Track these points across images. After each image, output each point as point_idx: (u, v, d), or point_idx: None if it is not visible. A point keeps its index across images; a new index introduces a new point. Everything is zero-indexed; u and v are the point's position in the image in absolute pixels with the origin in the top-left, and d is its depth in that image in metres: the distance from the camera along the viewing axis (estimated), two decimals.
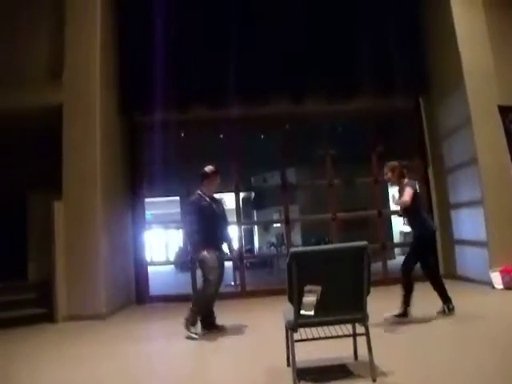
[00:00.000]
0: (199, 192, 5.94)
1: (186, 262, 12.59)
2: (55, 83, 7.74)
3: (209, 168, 6.01)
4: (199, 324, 5.77)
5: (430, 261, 6.01)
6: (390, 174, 5.93)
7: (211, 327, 5.81)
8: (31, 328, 6.82)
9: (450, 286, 8.16)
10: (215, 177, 6.00)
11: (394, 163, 5.96)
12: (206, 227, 5.67)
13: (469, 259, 8.43)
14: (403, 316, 5.55)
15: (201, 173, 6.03)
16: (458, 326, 5.30)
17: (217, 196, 6.21)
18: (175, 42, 8.89)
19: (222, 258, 5.88)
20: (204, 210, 5.75)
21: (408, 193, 5.60)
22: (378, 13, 9.25)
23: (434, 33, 9.03)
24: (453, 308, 5.68)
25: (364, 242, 3.53)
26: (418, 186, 5.90)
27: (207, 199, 5.87)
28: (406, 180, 5.87)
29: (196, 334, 5.60)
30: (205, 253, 5.59)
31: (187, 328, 5.62)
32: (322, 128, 9.93)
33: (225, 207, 6.25)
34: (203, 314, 5.77)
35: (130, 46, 9.00)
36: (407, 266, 5.70)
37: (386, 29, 9.20)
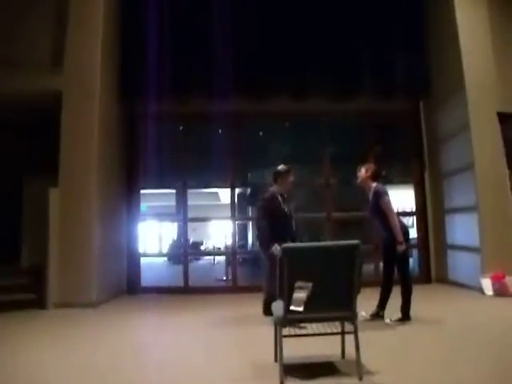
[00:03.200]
0: (273, 190, 6.07)
1: (178, 255, 12.61)
2: (55, 70, 7.73)
3: (283, 167, 6.17)
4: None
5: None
6: (363, 171, 5.88)
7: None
8: (21, 313, 6.82)
9: (441, 291, 8.30)
10: (289, 175, 6.14)
11: (372, 165, 5.98)
12: (280, 225, 5.82)
13: (461, 264, 8.46)
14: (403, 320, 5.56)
15: (274, 172, 6.17)
16: (446, 329, 5.32)
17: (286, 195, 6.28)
18: (177, 32, 8.87)
19: None
20: (281, 210, 5.92)
21: (389, 206, 5.60)
22: (382, 14, 9.24)
23: (437, 37, 9.04)
24: (382, 316, 5.69)
25: (356, 241, 3.54)
26: (385, 189, 5.83)
27: (279, 198, 5.99)
28: (374, 184, 5.82)
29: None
30: (276, 247, 5.59)
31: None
32: (321, 126, 9.92)
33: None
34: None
35: (131, 35, 8.97)
36: (400, 271, 5.71)
37: (388, 30, 9.19)
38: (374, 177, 5.86)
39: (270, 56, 8.93)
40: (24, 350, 4.82)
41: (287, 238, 5.90)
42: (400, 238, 5.51)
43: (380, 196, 5.66)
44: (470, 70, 8.05)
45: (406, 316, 5.57)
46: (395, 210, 5.77)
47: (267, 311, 5.63)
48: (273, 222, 5.81)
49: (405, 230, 5.75)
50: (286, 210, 6.01)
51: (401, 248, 5.52)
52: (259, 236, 6.16)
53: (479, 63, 8.08)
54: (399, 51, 9.12)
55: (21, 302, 7.12)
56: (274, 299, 5.64)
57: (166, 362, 4.32)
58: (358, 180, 5.96)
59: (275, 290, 5.60)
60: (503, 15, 8.38)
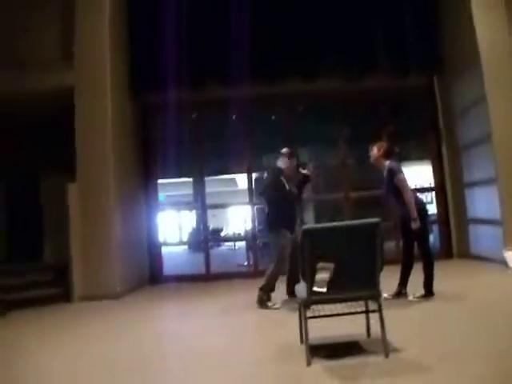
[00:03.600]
0: (278, 170, 6.12)
1: (199, 242, 12.68)
2: (67, 65, 7.77)
3: (285, 150, 6.25)
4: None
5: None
6: (375, 150, 5.83)
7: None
8: (48, 308, 6.95)
9: (463, 266, 8.24)
10: (292, 158, 6.22)
11: (384, 143, 5.91)
12: (286, 205, 5.91)
13: (483, 238, 8.38)
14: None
15: (281, 154, 6.21)
16: (471, 303, 5.29)
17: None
18: (187, 21, 8.78)
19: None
20: (286, 189, 5.98)
21: (404, 183, 5.56)
22: None
23: (450, 10, 8.84)
24: (405, 293, 5.68)
25: (377, 219, 3.52)
26: (400, 166, 5.76)
27: (286, 178, 6.05)
28: (387, 162, 5.75)
29: (275, 304, 5.82)
30: (284, 232, 5.79)
31: (264, 306, 5.79)
32: (335, 107, 9.83)
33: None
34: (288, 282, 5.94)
35: (140, 25, 8.95)
36: (420, 247, 5.68)
37: (401, 6, 9.05)
38: (387, 155, 5.80)
39: (281, 38, 8.85)
40: (53, 342, 4.94)
41: (295, 219, 6.08)
42: (414, 214, 5.46)
43: (394, 173, 5.61)
44: (485, 43, 7.87)
45: (429, 292, 5.55)
46: (410, 187, 5.74)
47: (291, 293, 5.71)
48: (279, 205, 5.87)
49: (421, 206, 5.72)
50: (292, 192, 6.07)
51: (415, 225, 5.48)
52: (271, 217, 6.09)
53: (493, 35, 7.90)
54: (412, 27, 8.96)
55: (47, 297, 7.25)
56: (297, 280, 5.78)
57: (190, 350, 4.37)
58: (372, 159, 5.92)
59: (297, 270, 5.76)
60: None
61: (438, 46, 9.10)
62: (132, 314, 6.28)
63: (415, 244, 5.70)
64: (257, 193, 9.41)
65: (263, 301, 5.83)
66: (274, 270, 5.87)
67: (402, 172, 5.65)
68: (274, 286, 5.89)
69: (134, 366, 3.98)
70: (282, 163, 6.13)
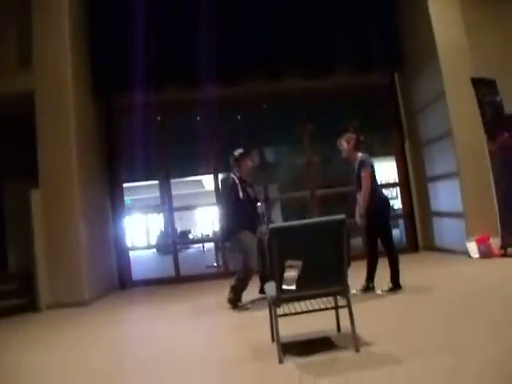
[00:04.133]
0: (233, 176, 6.04)
1: (167, 245, 12.61)
2: (25, 70, 7.58)
3: (239, 152, 6.14)
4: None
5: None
6: (345, 145, 5.85)
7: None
8: (15, 318, 6.77)
9: (429, 258, 8.44)
10: (247, 158, 6.15)
11: (351, 135, 5.88)
12: (243, 210, 5.82)
13: (446, 230, 8.59)
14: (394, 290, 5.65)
15: (233, 157, 6.14)
16: (438, 295, 5.41)
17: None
18: (150, 21, 8.69)
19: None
20: (241, 194, 5.86)
21: (367, 178, 5.60)
22: None
23: (408, 8, 9.02)
24: (373, 287, 5.77)
25: (342, 216, 3.57)
26: (370, 159, 5.84)
27: (241, 183, 5.95)
28: (359, 154, 5.80)
29: (246, 305, 5.85)
30: (245, 232, 5.76)
31: (235, 306, 5.80)
32: (299, 105, 9.92)
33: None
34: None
35: (101, 28, 8.79)
36: (383, 242, 5.76)
37: (360, 5, 9.19)
38: (357, 146, 5.84)
39: (244, 39, 8.86)
40: (20, 354, 4.79)
41: (255, 222, 6.03)
42: (361, 210, 5.60)
43: (363, 165, 5.67)
44: (442, 39, 8.08)
45: (396, 285, 5.65)
46: (377, 182, 5.83)
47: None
48: (238, 209, 5.82)
49: (384, 201, 5.83)
50: (250, 194, 6.00)
51: (359, 221, 5.65)
52: (227, 224, 6.03)
53: (450, 31, 8.10)
54: (372, 25, 9.12)
55: (13, 307, 7.05)
56: (245, 284, 5.81)
57: (162, 353, 4.34)
58: (344, 154, 5.93)
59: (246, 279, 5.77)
60: None
61: (398, 43, 9.26)
62: (103, 321, 6.18)
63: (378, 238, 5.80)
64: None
65: (234, 301, 5.84)
66: (243, 271, 5.86)
67: (370, 165, 5.70)
68: (245, 286, 5.90)
69: (107, 372, 3.92)
70: (234, 166, 6.10)
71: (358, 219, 5.66)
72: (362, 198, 5.61)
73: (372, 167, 5.73)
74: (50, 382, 3.87)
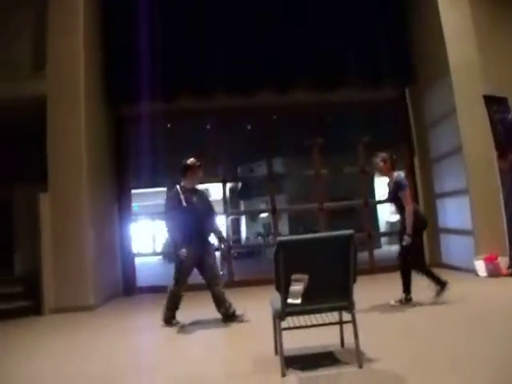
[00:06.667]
0: (178, 186, 5.80)
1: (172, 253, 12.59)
2: (38, 75, 7.66)
3: (191, 161, 5.87)
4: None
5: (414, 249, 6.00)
6: (381, 165, 5.99)
7: (228, 318, 5.75)
8: (19, 321, 6.78)
9: None
10: (198, 169, 5.87)
11: (385, 155, 6.02)
12: (186, 222, 5.58)
13: (454, 248, 8.54)
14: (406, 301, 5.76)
15: (182, 166, 5.86)
16: (443, 312, 5.36)
17: (200, 187, 6.16)
18: (161, 32, 8.80)
19: (207, 251, 5.81)
20: (183, 204, 5.62)
21: (408, 198, 5.79)
22: (365, 4, 9.26)
23: (420, 23, 9.05)
24: (410, 299, 5.81)
25: (350, 231, 3.55)
26: (405, 179, 6.01)
27: (186, 193, 5.71)
28: (395, 173, 6.00)
29: (179, 324, 5.80)
30: (183, 251, 5.51)
31: (167, 323, 5.79)
32: (309, 118, 9.94)
33: (209, 198, 6.20)
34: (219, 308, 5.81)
35: (115, 36, 8.91)
36: (404, 255, 5.86)
37: (372, 19, 9.24)
38: (393, 166, 6.01)
39: (254, 49, 8.93)
40: (21, 358, 4.79)
41: (202, 235, 5.80)
42: (409, 230, 5.68)
43: (401, 187, 5.83)
44: (454, 55, 8.08)
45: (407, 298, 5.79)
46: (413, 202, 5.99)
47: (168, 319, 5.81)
48: (183, 220, 5.57)
49: (422, 219, 5.98)
50: (196, 204, 5.71)
51: (406, 240, 5.70)
52: (170, 237, 5.87)
53: (463, 47, 8.11)
54: (383, 40, 9.16)
55: (17, 310, 7.08)
56: (176, 303, 5.80)
57: (164, 363, 4.33)
58: (380, 172, 6.16)
59: (173, 299, 5.77)
60: None
61: (410, 57, 9.29)
62: (106, 327, 6.17)
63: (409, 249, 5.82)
64: (231, 202, 9.39)
65: (168, 318, 5.80)
66: (174, 289, 5.78)
67: (407, 186, 5.93)
68: (178, 303, 5.84)
69: (105, 380, 3.91)
70: (184, 179, 5.84)
71: (405, 239, 5.71)
72: (409, 219, 5.70)
73: (407, 188, 5.92)
74: None
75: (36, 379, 4.11)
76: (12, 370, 4.39)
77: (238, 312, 5.77)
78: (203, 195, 6.02)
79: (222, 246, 6.38)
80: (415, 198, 9.58)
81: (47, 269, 7.35)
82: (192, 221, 5.60)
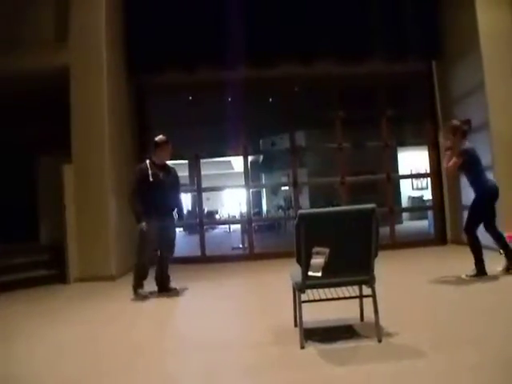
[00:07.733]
0: (148, 161, 6.06)
1: (194, 224, 12.69)
2: (61, 45, 7.67)
3: (159, 138, 6.14)
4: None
5: (492, 220, 6.00)
6: (451, 136, 5.84)
7: (162, 289, 6.16)
8: (44, 289, 6.98)
9: (456, 251, 8.30)
10: (166, 146, 6.14)
11: (455, 124, 5.88)
12: (151, 196, 5.80)
13: None
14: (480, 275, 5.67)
15: (153, 142, 6.14)
16: (464, 289, 5.33)
17: (170, 164, 6.39)
18: (182, 4, 8.73)
19: (168, 225, 6.06)
20: (150, 179, 5.85)
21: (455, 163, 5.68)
22: None
23: None
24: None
25: (372, 205, 3.52)
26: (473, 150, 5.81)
27: (155, 168, 5.96)
28: (466, 143, 5.80)
29: (145, 293, 5.99)
30: (144, 224, 5.73)
31: (135, 292, 5.97)
32: (332, 90, 9.80)
33: (178, 175, 6.42)
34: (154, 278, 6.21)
35: (136, 6, 8.84)
36: (470, 226, 5.88)
37: None
38: (464, 135, 5.84)
39: (277, 21, 8.81)
40: (49, 324, 4.94)
41: (166, 210, 6.03)
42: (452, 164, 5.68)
43: (460, 153, 5.67)
44: (485, 28, 7.81)
45: (480, 272, 5.70)
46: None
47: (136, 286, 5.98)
48: (147, 194, 5.78)
49: (494, 187, 5.91)
50: (163, 179, 5.95)
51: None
52: (131, 209, 6.00)
53: (494, 18, 7.84)
54: (410, 11, 8.92)
55: (43, 278, 7.28)
56: (141, 273, 5.98)
57: (186, 332, 4.42)
58: (451, 145, 5.89)
59: (137, 269, 5.97)
60: None
61: (437, 30, 9.04)
62: (129, 297, 6.28)
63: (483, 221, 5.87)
64: (253, 175, 9.38)
65: (135, 289, 5.98)
66: (136, 260, 6.03)
67: (469, 155, 5.71)
68: (143, 274, 6.04)
69: (130, 349, 4.00)
70: (154, 155, 6.12)
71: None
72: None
73: (472, 156, 5.73)
74: (60, 355, 3.94)
75: (63, 345, 4.22)
76: (37, 337, 4.52)
77: (174, 286, 6.22)
78: (171, 172, 6.26)
79: (182, 219, 6.90)
80: (438, 175, 9.49)
81: (71, 239, 7.50)
82: (157, 195, 5.83)
